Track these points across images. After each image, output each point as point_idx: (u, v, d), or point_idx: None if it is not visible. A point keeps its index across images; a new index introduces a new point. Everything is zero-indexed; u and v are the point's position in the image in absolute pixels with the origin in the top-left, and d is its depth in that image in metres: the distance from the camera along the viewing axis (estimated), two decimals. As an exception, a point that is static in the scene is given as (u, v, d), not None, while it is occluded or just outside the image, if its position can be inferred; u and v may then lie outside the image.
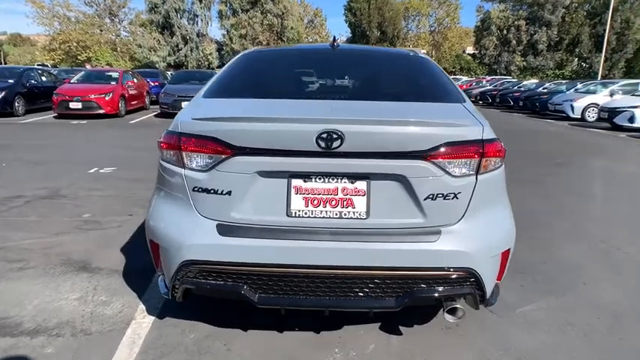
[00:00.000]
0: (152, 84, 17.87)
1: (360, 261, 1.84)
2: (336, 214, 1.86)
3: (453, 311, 1.98)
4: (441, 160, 1.83)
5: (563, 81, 23.06)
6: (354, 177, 1.85)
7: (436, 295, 1.90)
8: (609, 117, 12.98)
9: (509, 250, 2.04)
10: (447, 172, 1.84)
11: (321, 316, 2.28)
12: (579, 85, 17.57)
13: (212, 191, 1.89)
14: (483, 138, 1.89)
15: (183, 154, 1.92)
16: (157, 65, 38.28)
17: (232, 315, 2.46)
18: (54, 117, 12.73)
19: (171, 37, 42.08)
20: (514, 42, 44.24)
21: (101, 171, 6.11)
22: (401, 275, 1.85)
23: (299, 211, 1.86)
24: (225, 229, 1.89)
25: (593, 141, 10.79)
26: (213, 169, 1.88)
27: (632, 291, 2.88)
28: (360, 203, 1.86)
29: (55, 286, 2.78)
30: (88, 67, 32.84)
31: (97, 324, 2.38)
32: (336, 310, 2.13)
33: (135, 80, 15.28)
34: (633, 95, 13.71)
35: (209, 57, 50.95)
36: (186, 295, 2.04)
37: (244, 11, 44.44)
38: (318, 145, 1.78)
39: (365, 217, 1.86)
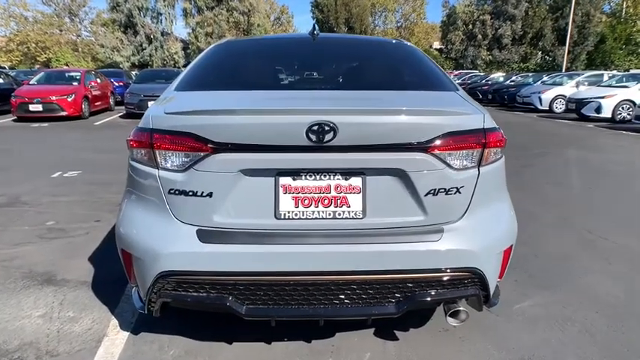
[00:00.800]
0: (116, 84, 17.17)
1: (356, 265, 1.69)
2: (330, 215, 1.70)
3: (455, 314, 1.86)
4: (441, 151, 1.69)
5: (530, 74, 23.62)
6: (348, 173, 1.70)
7: (438, 298, 1.77)
8: (577, 108, 13.33)
9: (511, 246, 1.93)
10: (448, 165, 1.71)
11: (311, 323, 2.12)
12: (546, 78, 18.01)
13: (191, 193, 1.69)
14: (485, 127, 1.77)
15: (157, 152, 1.72)
16: (120, 65, 37.03)
17: (214, 327, 2.27)
18: (13, 120, 12.04)
19: (135, 37, 40.82)
20: (480, 36, 45.05)
21: (65, 175, 5.75)
22: (401, 279, 1.71)
23: (288, 212, 1.69)
24: (206, 235, 1.69)
25: (564, 131, 11.02)
26: (190, 169, 1.68)
27: (625, 281, 2.85)
28: (356, 201, 1.71)
29: (15, 303, 2.52)
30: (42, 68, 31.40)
31: (65, 343, 2.14)
32: (330, 320, 1.98)
33: (98, 80, 14.63)
34: (599, 86, 14.14)
35: (174, 56, 49.77)
36: (164, 310, 1.83)
37: (209, 9, 43.58)
38: (309, 138, 1.61)
39: (361, 216, 1.71)
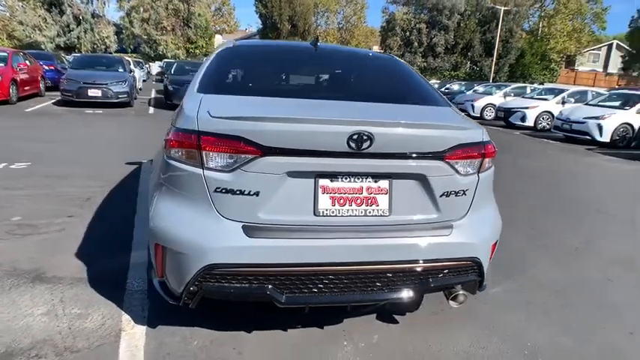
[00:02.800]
0: (46, 68, 15.91)
1: (383, 256, 1.92)
2: (361, 212, 1.92)
3: (456, 297, 2.16)
4: (453, 160, 1.98)
5: (463, 82, 25.30)
6: (377, 176, 1.93)
7: (448, 283, 2.06)
8: (504, 116, 14.65)
9: (496, 241, 2.28)
10: (457, 171, 2.01)
11: (320, 311, 2.33)
12: (477, 87, 19.49)
13: (238, 192, 1.82)
14: (483, 140, 2.09)
15: (203, 153, 1.82)
16: (42, 46, 34.05)
17: (227, 317, 2.39)
18: None
19: (61, 16, 37.78)
20: (416, 44, 47.20)
21: (12, 167, 5.37)
22: (419, 267, 1.98)
23: (326, 210, 1.89)
24: (252, 231, 1.84)
25: (494, 137, 12.08)
26: (238, 170, 1.81)
27: (565, 269, 3.38)
28: (383, 201, 1.94)
29: (9, 302, 2.44)
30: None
31: (82, 340, 2.15)
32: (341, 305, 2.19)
33: (28, 63, 13.46)
34: (523, 97, 15.62)
35: (106, 40, 46.73)
36: (202, 301, 1.95)
37: (146, -7, 41.46)
38: (349, 145, 1.82)
39: (387, 214, 1.95)
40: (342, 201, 1.90)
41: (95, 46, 44.15)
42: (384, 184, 1.94)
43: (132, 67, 16.54)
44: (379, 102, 2.31)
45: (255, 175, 1.81)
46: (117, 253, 3.15)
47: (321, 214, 1.88)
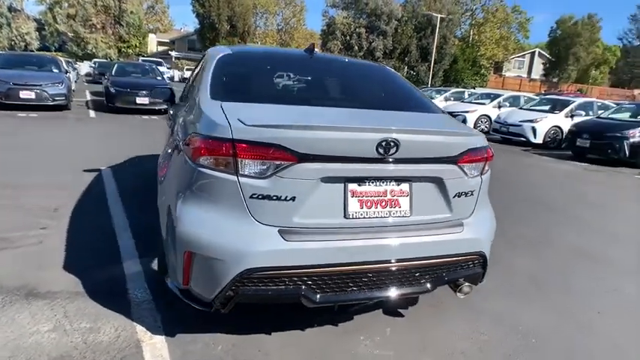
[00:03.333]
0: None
1: (406, 254, 2.08)
2: (386, 214, 2.06)
3: (462, 289, 2.37)
4: (464, 164, 2.18)
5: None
6: (399, 180, 2.08)
7: (459, 276, 2.26)
8: (447, 119, 15.53)
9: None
10: (466, 174, 2.21)
11: (329, 309, 2.44)
12: (419, 91, 20.42)
13: (274, 198, 1.89)
14: (485, 145, 2.32)
15: (239, 160, 1.87)
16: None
17: (243, 322, 2.42)
18: None
19: (-29, 10, 34.48)
20: (356, 47, 48.35)
21: (-44, 176, 4.93)
22: (436, 262, 2.15)
23: (355, 212, 2.01)
24: (288, 234, 1.91)
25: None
26: (274, 176, 1.88)
27: (533, 259, 3.75)
28: (405, 203, 2.10)
29: (8, 320, 2.30)
30: None
31: (102, 353, 2.10)
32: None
33: None
34: (462, 102, 16.66)
35: (26, 37, 43.29)
36: (234, 306, 1.99)
37: (72, -13, 38.99)
38: (377, 152, 1.95)
39: (409, 214, 2.10)
40: (369, 204, 2.03)
41: (13, 43, 40.77)
42: (405, 187, 2.09)
43: (66, 67, 15.52)
44: (390, 109, 2.47)
45: (291, 181, 1.89)
46: (106, 263, 3.05)
47: (350, 217, 2.00)
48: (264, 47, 4.78)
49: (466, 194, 2.23)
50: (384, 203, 2.06)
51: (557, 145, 11.67)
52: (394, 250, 2.05)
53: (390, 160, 2.00)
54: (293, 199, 1.91)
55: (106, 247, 3.31)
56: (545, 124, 11.84)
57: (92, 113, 12.17)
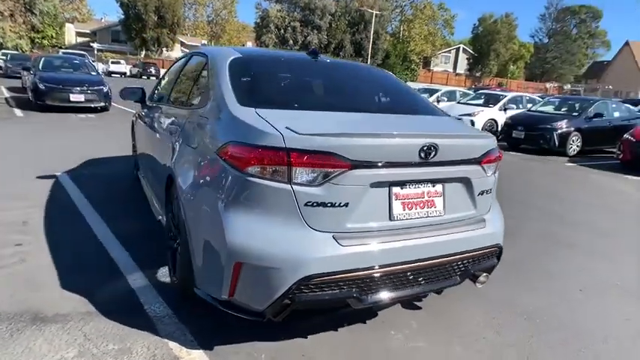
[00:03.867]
0: None
1: (443, 250, 2.20)
2: (424, 214, 2.17)
3: (480, 279, 2.55)
4: (484, 164, 2.35)
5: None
6: (435, 181, 2.19)
7: (481, 267, 2.43)
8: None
9: None
10: (486, 173, 2.38)
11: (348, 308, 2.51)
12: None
13: (329, 204, 1.92)
14: (497, 146, 2.51)
15: (293, 169, 1.88)
16: None
17: (273, 326, 2.41)
18: None
19: None
20: (291, 41, 48.27)
21: None
22: (467, 256, 2.31)
23: (399, 214, 2.09)
24: (342, 240, 1.95)
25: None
26: (327, 183, 1.91)
27: (511, 247, 4.10)
28: (439, 203, 2.22)
29: (24, 350, 2.11)
30: None
31: (144, 375, 2.01)
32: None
33: None
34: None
35: None
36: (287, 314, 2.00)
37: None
38: (420, 156, 2.05)
39: (443, 214, 2.23)
40: (410, 205, 2.13)
41: None
42: (439, 188, 2.21)
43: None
44: (410, 114, 2.59)
45: (344, 188, 1.93)
46: (107, 278, 2.88)
47: (395, 219, 2.09)
48: (262, 49, 4.61)
49: (486, 192, 2.40)
50: (422, 204, 2.17)
51: (494, 137, 12.56)
52: (433, 248, 2.17)
53: (429, 163, 2.11)
54: (346, 204, 1.95)
55: (100, 261, 3.11)
56: (482, 117, 12.71)
57: (18, 112, 11.11)
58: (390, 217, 2.08)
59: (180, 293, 2.61)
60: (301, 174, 1.89)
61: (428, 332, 2.53)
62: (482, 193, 2.37)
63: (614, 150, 10.69)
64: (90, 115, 11.34)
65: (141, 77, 36.10)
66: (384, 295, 2.12)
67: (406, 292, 2.19)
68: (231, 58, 2.73)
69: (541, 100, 13.73)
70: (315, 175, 1.90)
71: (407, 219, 2.12)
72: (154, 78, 36.23)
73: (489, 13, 51.34)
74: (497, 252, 2.50)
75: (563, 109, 11.59)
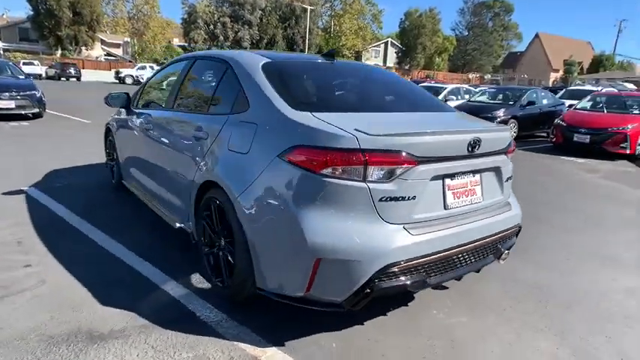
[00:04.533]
0: None
1: (485, 232, 2.47)
2: (468, 202, 2.43)
3: (503, 256, 2.86)
4: (508, 154, 2.66)
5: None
6: (475, 172, 2.45)
7: (507, 245, 2.73)
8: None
9: None
10: (509, 162, 2.69)
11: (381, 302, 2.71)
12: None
13: (400, 198, 2.10)
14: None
15: (369, 168, 2.03)
16: None
17: (330, 317, 2.55)
18: None
19: None
20: (222, 37, 47.20)
21: None
22: (500, 237, 2.59)
23: (451, 203, 2.33)
24: (411, 229, 2.14)
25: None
26: (397, 179, 2.09)
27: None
28: (479, 191, 2.48)
29: (96, 369, 2.08)
30: None
31: (232, 376, 2.07)
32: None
33: None
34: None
35: None
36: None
37: None
38: (468, 150, 2.30)
39: (481, 200, 2.50)
40: (458, 195, 2.37)
41: None
42: (478, 177, 2.48)
43: None
44: (438, 111, 2.84)
45: (411, 183, 2.12)
46: (142, 291, 2.83)
47: (448, 207, 2.32)
48: (282, 53, 4.47)
49: (509, 178, 2.72)
50: (466, 193, 2.42)
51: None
52: (478, 231, 2.43)
53: (473, 155, 2.37)
54: (413, 197, 2.14)
55: (125, 275, 3.03)
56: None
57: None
58: (445, 206, 2.31)
59: (229, 296, 2.66)
60: (375, 172, 2.05)
61: (463, 308, 2.81)
62: (507, 179, 2.68)
63: (544, 134, 11.91)
64: (23, 123, 10.44)
65: (59, 79, 33.32)
66: (443, 277, 2.35)
67: (458, 273, 2.44)
68: (263, 62, 2.79)
69: (476, 91, 14.78)
70: (387, 172, 2.07)
71: (457, 207, 2.36)
72: (74, 79, 33.68)
73: (414, 8, 53.92)
74: (518, 231, 2.83)
75: (498, 99, 12.61)
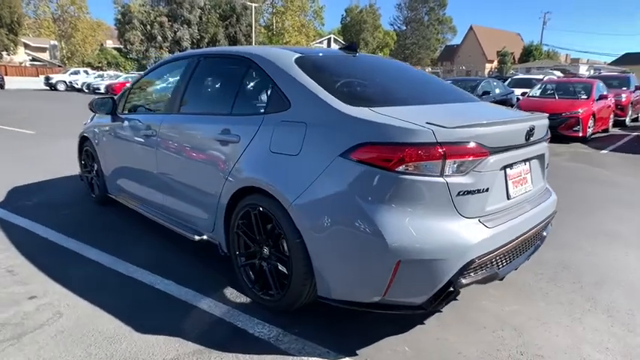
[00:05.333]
0: None
1: (538, 219, 2.48)
2: (523, 190, 2.42)
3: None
4: (547, 142, 2.70)
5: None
6: (526, 160, 2.45)
7: (547, 231, 2.78)
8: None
9: None
10: (547, 149, 2.73)
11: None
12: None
13: (475, 191, 2.04)
14: None
15: (447, 162, 1.95)
16: None
17: (390, 320, 2.46)
18: None
19: None
20: (160, 38, 45.24)
21: None
22: (545, 222, 2.62)
23: (512, 193, 2.31)
24: (486, 222, 2.10)
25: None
26: (472, 171, 2.03)
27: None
28: (529, 179, 2.49)
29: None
30: None
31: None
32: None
33: None
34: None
35: None
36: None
37: None
38: (525, 139, 2.29)
39: (532, 188, 2.51)
40: (516, 184, 2.36)
41: None
42: (528, 165, 2.48)
43: None
44: (471, 102, 2.82)
45: (485, 174, 2.07)
46: (176, 313, 2.58)
47: (511, 197, 2.30)
48: (304, 47, 4.17)
49: (547, 165, 2.76)
50: (521, 181, 2.41)
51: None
52: (533, 219, 2.44)
53: (527, 144, 2.37)
54: (487, 189, 2.10)
55: (150, 297, 2.76)
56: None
57: None
58: (507, 196, 2.28)
59: (279, 308, 2.49)
60: (452, 166, 1.98)
61: (510, 297, 2.82)
62: (547, 166, 2.72)
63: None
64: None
65: (-21, 87, 30.43)
66: (507, 268, 2.33)
67: (517, 263, 2.43)
68: (295, 57, 2.63)
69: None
70: (463, 165, 2.01)
71: (516, 196, 2.35)
72: (-2, 87, 30.87)
73: (355, 4, 54.67)
74: (554, 216, 2.88)
75: (454, 89, 13.04)
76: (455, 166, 1.99)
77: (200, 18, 45.35)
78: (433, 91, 3.02)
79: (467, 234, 2.01)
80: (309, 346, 2.26)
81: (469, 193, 2.04)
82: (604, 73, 24.77)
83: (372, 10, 54.30)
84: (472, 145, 2.01)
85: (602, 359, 2.20)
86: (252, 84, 2.77)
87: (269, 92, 2.58)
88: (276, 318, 2.49)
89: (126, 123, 3.81)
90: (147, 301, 2.70)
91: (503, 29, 62.01)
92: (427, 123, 2.00)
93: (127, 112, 3.95)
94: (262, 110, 2.57)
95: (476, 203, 2.08)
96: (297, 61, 2.59)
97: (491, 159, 2.10)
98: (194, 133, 3.02)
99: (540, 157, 2.61)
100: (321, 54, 2.94)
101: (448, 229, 1.99)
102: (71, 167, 6.08)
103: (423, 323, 2.48)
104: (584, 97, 10.52)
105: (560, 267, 3.28)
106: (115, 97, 4.03)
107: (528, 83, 15.83)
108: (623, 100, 12.97)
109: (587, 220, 4.44)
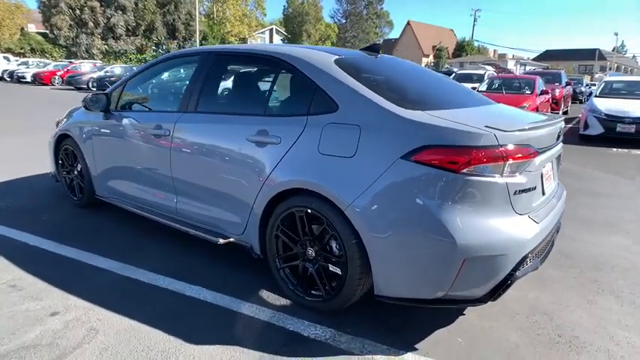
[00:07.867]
0: None
1: (560, 213, 2.71)
2: (550, 187, 2.63)
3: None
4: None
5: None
6: (550, 159, 2.65)
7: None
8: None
9: None
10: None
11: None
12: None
13: (527, 190, 2.20)
14: None
15: (507, 163, 2.08)
16: None
17: (434, 312, 2.58)
18: None
19: None
20: (91, 24, 42.25)
21: None
22: (562, 216, 2.86)
23: (546, 189, 2.50)
24: (534, 217, 2.26)
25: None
26: (525, 171, 2.18)
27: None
28: (552, 176, 2.70)
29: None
30: None
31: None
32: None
33: None
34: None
35: None
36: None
37: None
38: (555, 139, 2.49)
39: (554, 185, 2.73)
40: (546, 181, 2.55)
41: None
42: (551, 163, 2.68)
43: None
44: (489, 105, 2.99)
45: (533, 174, 2.24)
46: (217, 319, 2.51)
47: (545, 194, 2.49)
48: (336, 48, 3.94)
49: (561, 163, 3.00)
50: (548, 178, 2.61)
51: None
52: (559, 212, 2.66)
53: (555, 144, 2.57)
54: (534, 187, 2.26)
55: (182, 304, 2.66)
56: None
57: None
58: (543, 192, 2.47)
59: (330, 309, 2.52)
60: (510, 167, 2.11)
61: (529, 283, 3.00)
62: (560, 164, 2.96)
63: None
64: None
65: None
66: (542, 259, 2.52)
67: (547, 254, 2.63)
68: (334, 58, 2.64)
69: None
70: (518, 165, 2.15)
71: (548, 192, 2.55)
72: None
73: (297, -4, 54.21)
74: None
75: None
76: (512, 166, 2.13)
77: (136, 4, 42.85)
78: (463, 94, 3.15)
79: (522, 230, 2.17)
80: (369, 344, 2.31)
81: (522, 191, 2.19)
82: (529, 68, 26.75)
83: (313, 2, 54.30)
84: (527, 147, 2.17)
85: (628, 336, 2.46)
86: (288, 85, 2.74)
87: (311, 94, 2.56)
88: (323, 319, 2.51)
89: (125, 121, 3.58)
90: (182, 310, 2.60)
91: (438, 25, 64.74)
92: (486, 127, 2.11)
93: (122, 109, 3.72)
94: (303, 112, 2.55)
95: (526, 201, 2.24)
96: (337, 63, 2.60)
97: (538, 159, 2.27)
98: (220, 134, 2.91)
99: (559, 156, 2.84)
100: (352, 55, 2.96)
101: (507, 226, 2.13)
102: (32, 166, 5.62)
103: (464, 314, 2.62)
104: (528, 92, 11.33)
105: (561, 254, 3.56)
106: (108, 93, 3.77)
107: (469, 78, 16.78)
108: (557, 94, 14.14)
109: (585, 208, 4.85)
